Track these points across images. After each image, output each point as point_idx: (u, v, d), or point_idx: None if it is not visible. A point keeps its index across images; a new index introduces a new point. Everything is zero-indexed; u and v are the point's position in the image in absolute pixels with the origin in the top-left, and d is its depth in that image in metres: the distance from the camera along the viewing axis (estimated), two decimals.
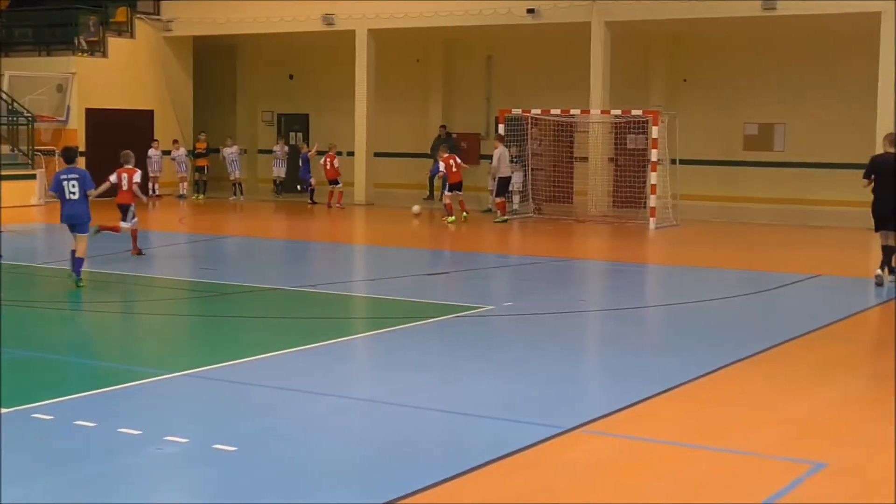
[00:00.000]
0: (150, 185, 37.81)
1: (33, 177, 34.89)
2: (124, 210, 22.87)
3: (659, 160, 30.07)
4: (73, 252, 19.04)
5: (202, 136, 39.05)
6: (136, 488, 8.74)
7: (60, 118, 37.05)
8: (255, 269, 22.30)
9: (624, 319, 16.85)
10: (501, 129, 32.47)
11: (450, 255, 25.20)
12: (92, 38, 38.31)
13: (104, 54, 38.46)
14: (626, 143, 35.01)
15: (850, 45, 32.96)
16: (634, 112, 31.61)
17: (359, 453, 9.78)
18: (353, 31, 36.35)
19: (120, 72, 38.45)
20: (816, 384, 12.56)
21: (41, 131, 36.80)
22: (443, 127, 38.67)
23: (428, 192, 38.41)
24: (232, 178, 38.38)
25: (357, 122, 36.75)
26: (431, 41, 39.55)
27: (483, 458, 9.36)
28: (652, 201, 30.17)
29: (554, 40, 36.73)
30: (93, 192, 19.27)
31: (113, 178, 22.53)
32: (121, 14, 39.39)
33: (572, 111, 32.50)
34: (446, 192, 31.53)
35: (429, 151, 38.07)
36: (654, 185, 30.10)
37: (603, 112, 32.23)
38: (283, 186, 39.76)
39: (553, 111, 32.60)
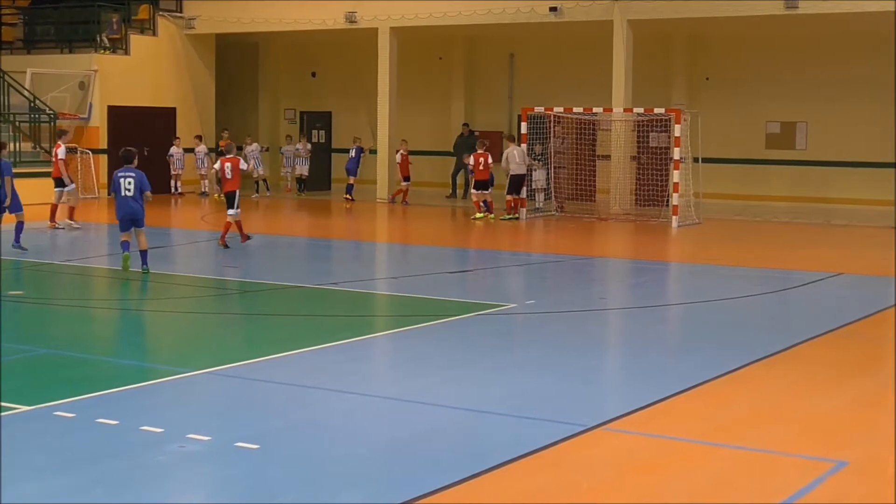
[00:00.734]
0: (172, 182, 37.91)
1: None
2: (231, 198, 23.53)
3: (681, 158, 30.00)
4: (125, 243, 20.04)
5: (225, 134, 39.07)
6: (159, 486, 8.77)
7: (82, 115, 37.15)
8: (278, 267, 22.33)
9: (645, 318, 16.83)
10: (524, 126, 32.38)
11: (472, 253, 25.19)
12: (114, 36, 38.37)
13: (126, 52, 38.53)
14: (648, 142, 34.97)
15: (872, 43, 32.84)
16: (657, 110, 31.56)
17: (380, 451, 9.80)
18: (376, 30, 36.35)
19: (142, 69, 38.51)
20: (838, 383, 12.54)
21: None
22: (465, 125, 38.67)
23: (451, 190, 38.42)
24: (254, 175, 38.40)
25: (380, 120, 36.73)
26: (454, 39, 39.55)
27: (504, 457, 9.36)
28: (674, 199, 30.11)
29: (576, 39, 36.72)
30: (149, 195, 20.27)
31: (217, 166, 23.60)
32: (143, 11, 39.44)
33: (595, 109, 32.45)
34: (473, 191, 31.59)
35: (451, 149, 38.09)
36: (676, 184, 30.03)
37: (625, 110, 32.18)
38: (305, 184, 39.75)
39: (575, 109, 32.56)
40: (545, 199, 33.18)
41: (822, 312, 17.35)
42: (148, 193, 20.13)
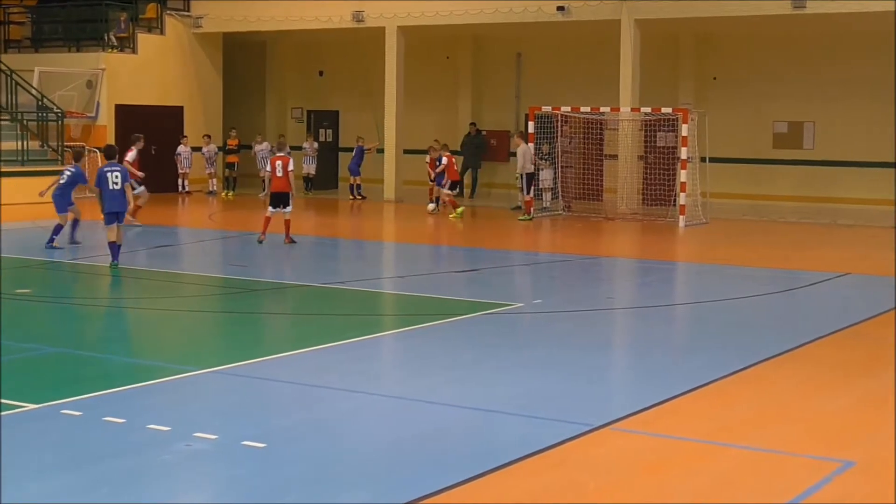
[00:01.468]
0: (180, 181, 37.92)
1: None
2: (282, 198, 23.86)
3: (688, 158, 30.00)
4: (113, 244, 20.20)
5: (233, 133, 39.11)
6: (165, 485, 8.78)
7: (90, 114, 37.17)
8: (285, 266, 22.35)
9: (652, 317, 16.84)
10: (531, 126, 32.36)
11: (479, 252, 25.17)
12: (122, 35, 38.41)
13: (134, 50, 38.56)
14: (655, 141, 34.95)
15: (880, 43, 32.77)
16: (664, 110, 31.56)
17: (386, 450, 9.81)
18: (383, 29, 36.36)
19: (149, 68, 38.55)
20: (844, 383, 12.54)
21: (71, 127, 36.96)
22: (472, 124, 38.68)
23: (458, 189, 38.39)
24: (262, 174, 38.40)
25: (387, 119, 36.73)
26: (461, 38, 39.54)
27: (510, 456, 9.37)
28: (681, 199, 30.09)
29: (583, 38, 36.70)
30: (129, 188, 20.78)
31: (268, 166, 23.97)
32: (151, 10, 39.48)
33: (602, 109, 32.44)
34: (447, 190, 31.67)
35: (459, 149, 38.07)
36: (683, 183, 30.02)
37: (633, 109, 32.16)
38: (312, 183, 39.77)
39: (583, 109, 32.55)
40: (552, 199, 33.18)
41: (829, 313, 17.35)
42: (127, 184, 20.58)
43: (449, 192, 31.72)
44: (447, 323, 15.73)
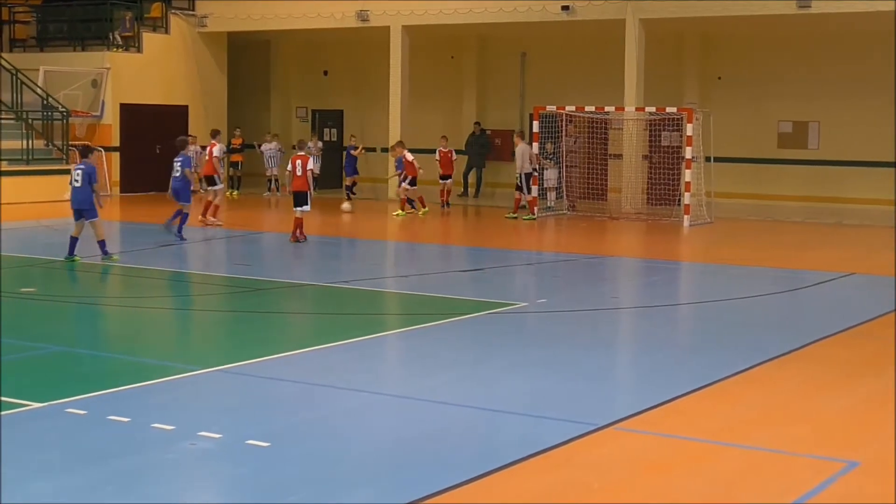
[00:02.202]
0: None
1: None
2: (301, 197, 24.00)
3: (693, 157, 29.99)
4: (73, 238, 20.91)
5: (237, 132, 39.09)
6: (170, 484, 8.79)
7: (95, 113, 37.21)
8: (289, 265, 22.36)
9: (656, 317, 16.83)
10: (536, 125, 32.35)
11: (484, 251, 25.16)
12: (126, 34, 38.43)
13: (139, 50, 38.57)
14: (660, 141, 34.95)
15: (885, 43, 32.76)
16: (669, 109, 31.54)
17: (390, 449, 9.81)
18: (388, 28, 36.36)
19: (154, 67, 38.56)
20: (849, 383, 12.53)
21: (75, 126, 36.96)
22: (477, 124, 38.71)
23: (462, 189, 38.38)
24: (269, 173, 38.41)
25: (391, 119, 36.72)
26: (466, 38, 39.55)
27: (514, 456, 9.37)
28: (686, 199, 30.08)
29: (588, 38, 36.69)
30: (96, 187, 21.23)
31: (289, 166, 24.30)
32: (155, 10, 39.49)
33: (607, 108, 32.43)
34: (406, 185, 31.63)
35: (463, 148, 38.05)
36: (688, 183, 30.01)
37: (637, 109, 32.16)
38: (317, 182, 39.71)
39: (587, 108, 32.53)
40: (556, 198, 33.15)
41: (834, 312, 17.33)
42: (95, 186, 21.04)
43: (408, 186, 31.65)
44: (451, 322, 15.73)
